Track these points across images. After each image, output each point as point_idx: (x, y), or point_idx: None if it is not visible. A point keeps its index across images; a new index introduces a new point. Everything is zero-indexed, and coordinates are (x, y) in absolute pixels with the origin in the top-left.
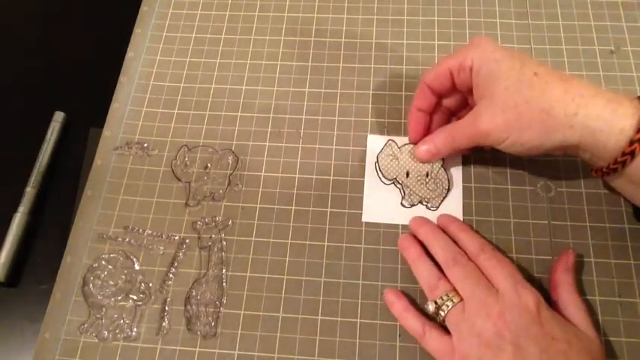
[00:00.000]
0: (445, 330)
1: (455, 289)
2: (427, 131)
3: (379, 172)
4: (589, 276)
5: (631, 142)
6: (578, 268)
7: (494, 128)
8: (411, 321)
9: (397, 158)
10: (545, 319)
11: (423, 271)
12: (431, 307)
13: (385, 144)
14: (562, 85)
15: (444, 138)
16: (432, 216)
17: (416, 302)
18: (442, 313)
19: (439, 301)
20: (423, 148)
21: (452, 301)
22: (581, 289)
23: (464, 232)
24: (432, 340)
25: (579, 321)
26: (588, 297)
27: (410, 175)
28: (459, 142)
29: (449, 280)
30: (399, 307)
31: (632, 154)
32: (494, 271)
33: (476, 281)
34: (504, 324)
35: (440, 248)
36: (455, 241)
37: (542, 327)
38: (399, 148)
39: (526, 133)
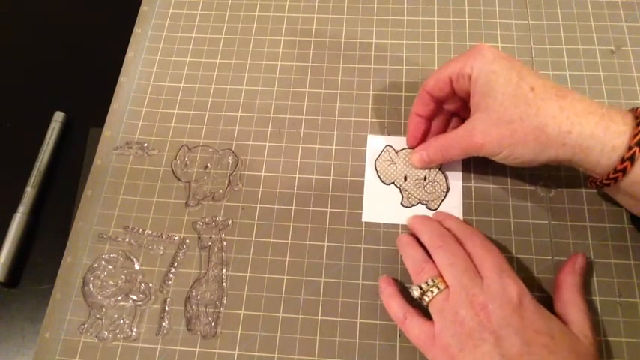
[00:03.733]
0: (427, 318)
1: (441, 275)
2: (425, 137)
3: (378, 176)
4: (589, 276)
5: (622, 160)
6: None
7: (487, 142)
8: (394, 307)
9: (395, 163)
10: (528, 311)
11: (411, 256)
12: (416, 292)
13: (383, 150)
14: (558, 102)
15: (436, 149)
16: (432, 215)
17: (406, 291)
18: (426, 299)
19: (424, 286)
20: (416, 156)
21: (437, 287)
22: None
23: (458, 223)
24: (413, 326)
25: (576, 320)
26: (588, 297)
27: (408, 179)
28: (451, 153)
29: (436, 265)
30: (385, 293)
31: (624, 171)
32: (481, 259)
33: (463, 269)
34: (487, 314)
35: (428, 232)
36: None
37: (525, 319)
38: (396, 153)
39: (519, 148)
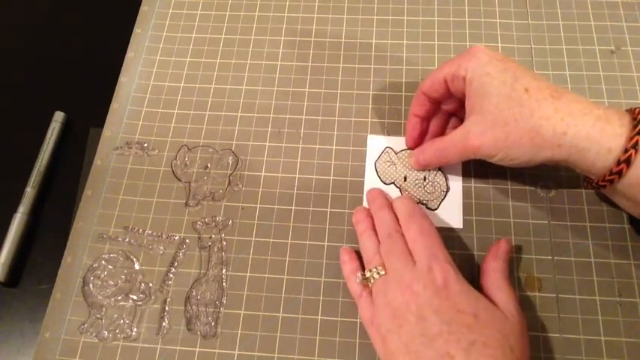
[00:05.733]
0: None
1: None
2: (423, 137)
3: (378, 176)
4: (589, 276)
5: (618, 162)
6: (580, 268)
7: (483, 145)
8: (354, 283)
9: (394, 164)
10: (453, 292)
11: (365, 246)
12: (358, 279)
13: (383, 151)
14: (552, 103)
15: (432, 153)
16: (432, 215)
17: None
18: (370, 284)
19: (367, 274)
20: (413, 159)
21: (378, 273)
22: (581, 289)
23: (403, 207)
24: (363, 305)
25: (500, 301)
26: (588, 297)
27: (407, 180)
28: (448, 157)
29: None
30: (348, 268)
31: (620, 173)
32: (414, 243)
33: (398, 255)
34: (412, 295)
35: (381, 223)
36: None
37: (448, 300)
38: (396, 154)
39: (515, 150)
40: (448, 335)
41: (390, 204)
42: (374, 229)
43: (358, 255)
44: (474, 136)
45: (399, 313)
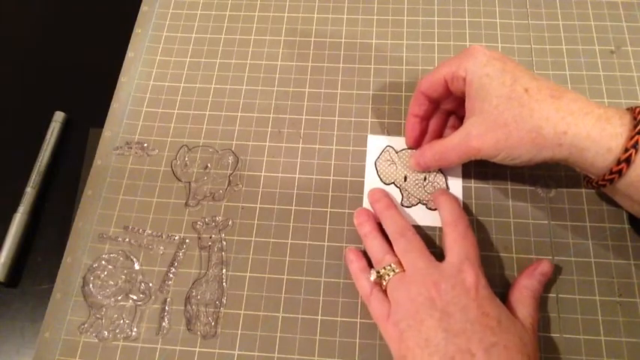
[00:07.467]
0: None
1: (400, 263)
2: (423, 137)
3: (378, 176)
4: (589, 276)
5: (618, 162)
6: (580, 268)
7: (484, 146)
8: (363, 281)
9: (395, 163)
10: (481, 297)
11: (373, 246)
12: (372, 276)
13: (383, 150)
14: (553, 103)
15: (432, 156)
16: (432, 215)
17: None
18: (384, 282)
19: (382, 271)
20: (413, 162)
21: (394, 271)
22: (581, 289)
23: (449, 206)
24: (375, 302)
25: (521, 316)
26: (588, 297)
27: (407, 180)
28: (448, 159)
29: (396, 255)
30: (355, 266)
31: (620, 172)
32: (454, 243)
33: (418, 254)
34: (437, 292)
35: (390, 223)
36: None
37: (475, 301)
38: (396, 153)
39: (516, 150)
40: (471, 334)
41: (394, 204)
42: (378, 230)
43: (364, 254)
44: (475, 137)
45: (423, 308)
